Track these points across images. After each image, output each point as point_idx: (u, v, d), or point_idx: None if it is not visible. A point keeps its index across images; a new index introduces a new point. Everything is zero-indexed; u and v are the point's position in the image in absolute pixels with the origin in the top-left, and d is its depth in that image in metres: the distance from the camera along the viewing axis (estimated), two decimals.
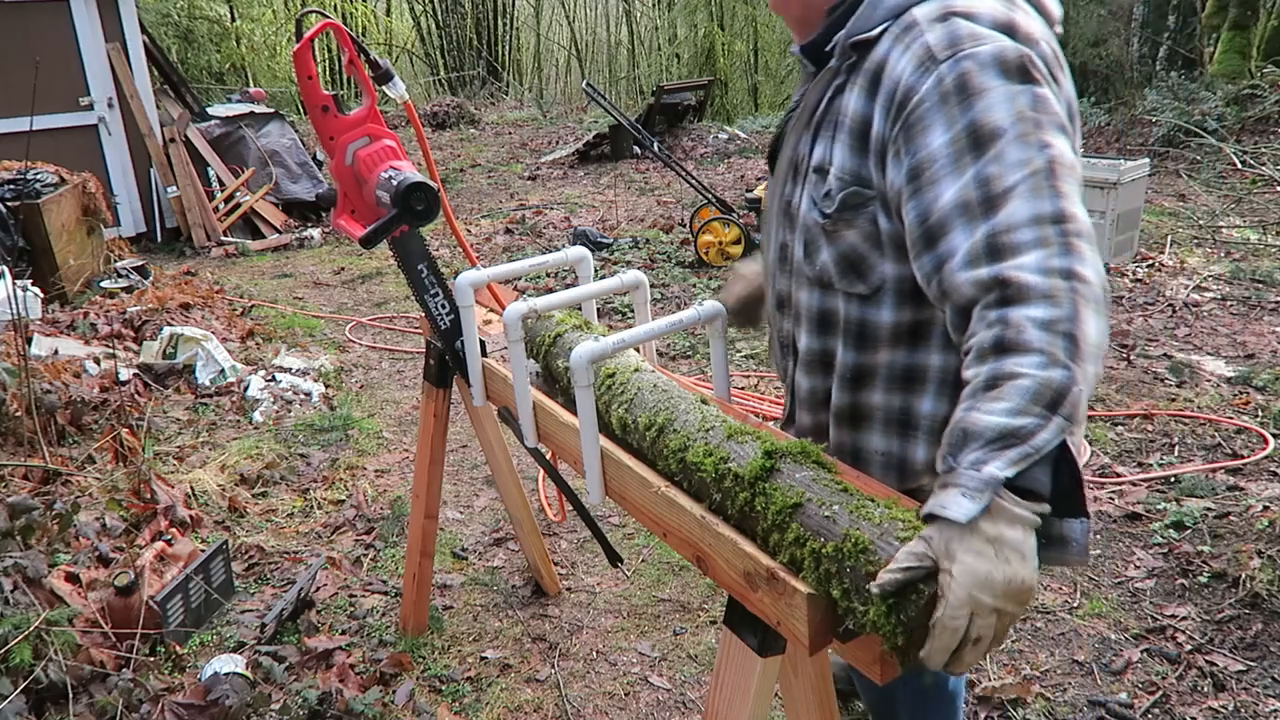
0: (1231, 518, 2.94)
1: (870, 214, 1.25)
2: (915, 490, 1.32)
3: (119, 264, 5.95)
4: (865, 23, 1.23)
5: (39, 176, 5.48)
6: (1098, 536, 3.01)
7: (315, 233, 7.75)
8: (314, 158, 8.81)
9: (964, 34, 1.13)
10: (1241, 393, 3.96)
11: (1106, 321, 1.05)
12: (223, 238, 7.39)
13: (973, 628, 0.93)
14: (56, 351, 4.07)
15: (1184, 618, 2.58)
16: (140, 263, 6.07)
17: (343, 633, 2.61)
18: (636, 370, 1.50)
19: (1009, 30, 1.15)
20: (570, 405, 1.59)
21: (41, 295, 4.90)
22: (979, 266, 1.06)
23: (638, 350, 1.65)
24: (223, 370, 4.29)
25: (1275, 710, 2.24)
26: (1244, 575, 2.60)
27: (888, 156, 1.19)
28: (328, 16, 1.81)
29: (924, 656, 0.93)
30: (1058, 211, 1.05)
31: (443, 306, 2.08)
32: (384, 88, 1.87)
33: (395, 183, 1.74)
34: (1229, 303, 5.12)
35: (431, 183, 1.76)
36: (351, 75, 1.85)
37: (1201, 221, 6.70)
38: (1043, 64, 1.15)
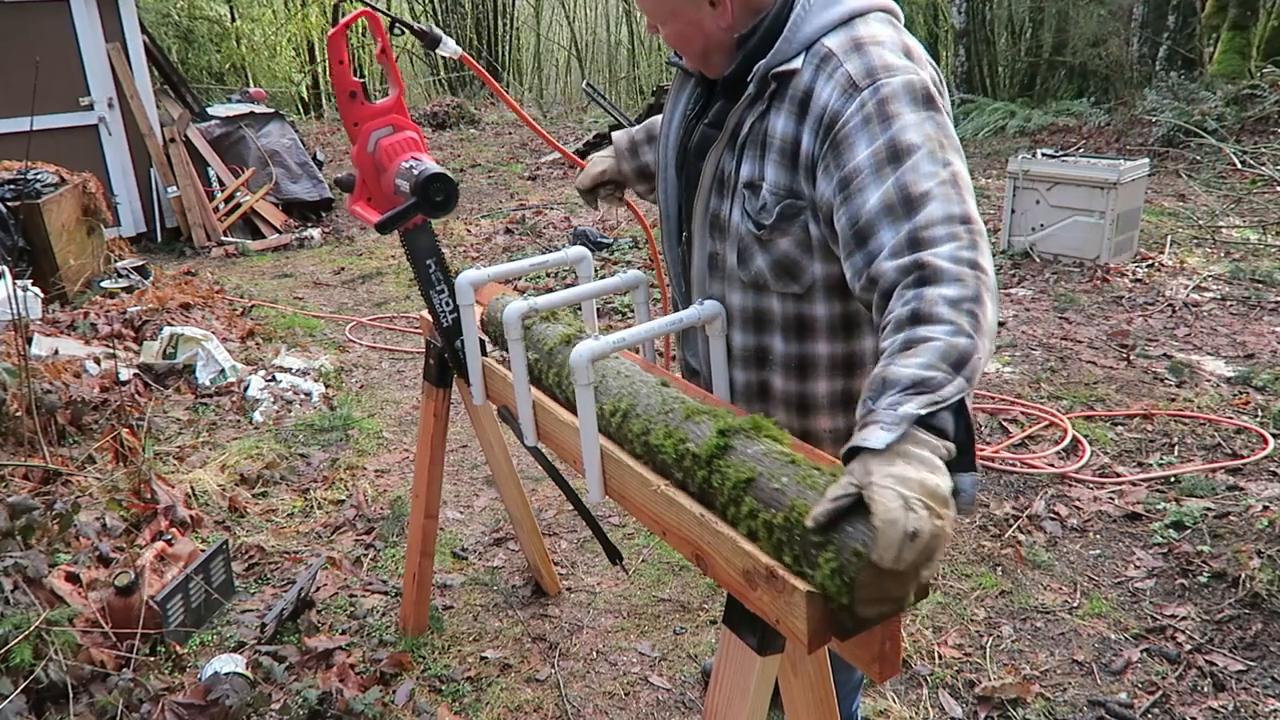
0: (1231, 518, 2.94)
1: (803, 222, 1.44)
2: None
3: (119, 264, 5.95)
4: (783, 55, 1.41)
5: (39, 176, 5.48)
6: (1098, 536, 3.01)
7: (315, 233, 7.75)
8: (314, 157, 8.80)
9: (878, 64, 1.33)
10: (1241, 393, 3.96)
11: (999, 308, 1.23)
12: (223, 238, 7.39)
13: (908, 521, 0.98)
14: (57, 351, 4.07)
15: (1184, 618, 2.58)
16: (140, 263, 6.07)
17: (343, 633, 2.61)
18: (568, 341, 1.60)
19: (908, 54, 1.36)
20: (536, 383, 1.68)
21: (42, 295, 4.90)
22: (902, 255, 1.24)
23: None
24: (223, 370, 4.29)
25: (1275, 710, 2.24)
26: (1244, 575, 2.61)
27: (818, 171, 1.38)
28: (366, 4, 1.83)
29: (876, 558, 0.99)
30: (965, 214, 1.25)
31: (447, 304, 2.09)
32: (438, 50, 1.93)
33: (416, 172, 1.76)
34: (1229, 303, 5.12)
35: (450, 176, 1.78)
36: (382, 64, 1.88)
37: (1201, 221, 6.70)
38: (934, 89, 1.35)
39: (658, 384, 1.44)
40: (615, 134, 2.05)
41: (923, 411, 1.08)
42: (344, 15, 1.82)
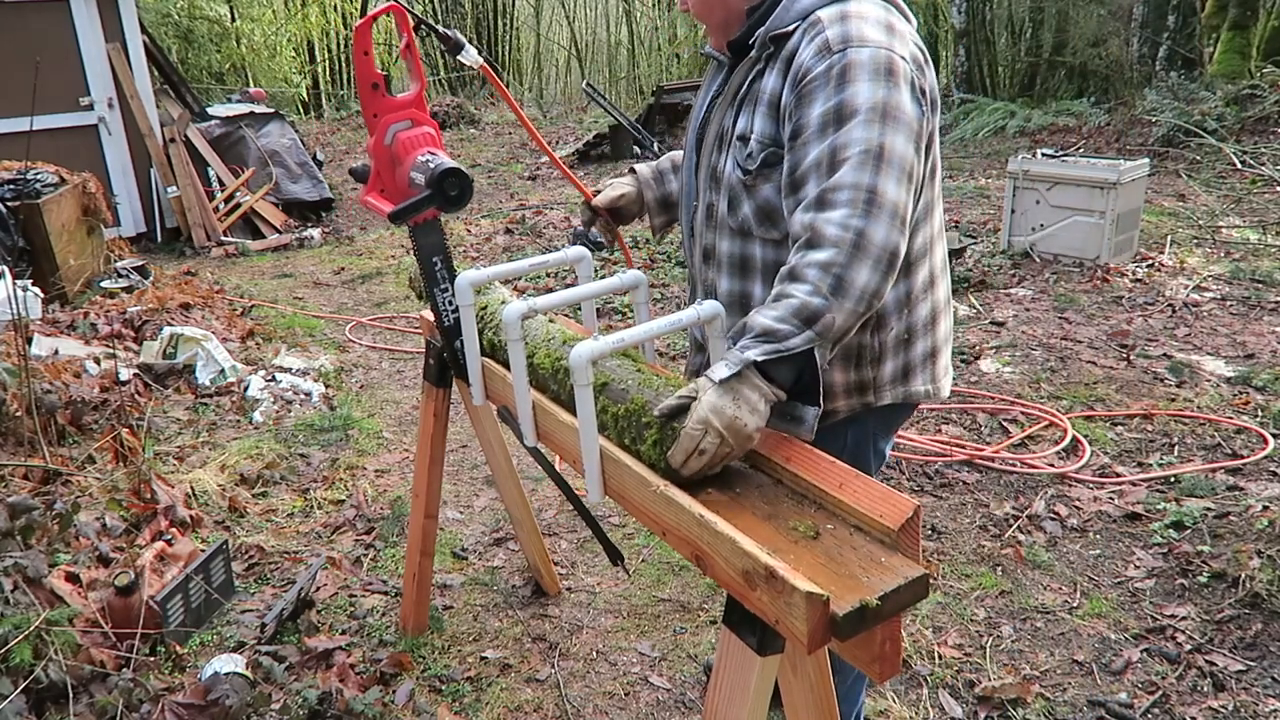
0: (1231, 518, 2.94)
1: (781, 168, 1.55)
2: (844, 418, 1.69)
3: (119, 264, 5.95)
4: (780, 21, 1.54)
5: (39, 176, 5.48)
6: (1098, 536, 3.01)
7: (315, 233, 7.75)
8: (314, 157, 8.81)
9: (854, 34, 1.44)
10: (1241, 393, 3.96)
11: (882, 276, 1.39)
12: (223, 238, 7.39)
13: (703, 441, 1.30)
14: (57, 351, 4.07)
15: (1184, 618, 2.58)
16: (140, 263, 6.07)
17: (343, 633, 2.61)
18: (504, 303, 1.87)
19: (889, 29, 1.47)
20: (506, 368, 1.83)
21: (41, 295, 4.90)
22: (808, 212, 1.41)
23: (505, 284, 2.05)
24: (223, 370, 4.29)
25: (1275, 710, 2.24)
26: (1244, 575, 2.61)
27: (786, 119, 1.51)
28: None
29: (669, 455, 1.32)
30: (871, 185, 1.38)
31: (450, 302, 2.09)
32: (459, 57, 1.95)
33: (432, 166, 1.77)
34: (1229, 303, 5.12)
35: (466, 171, 1.79)
36: (405, 60, 1.88)
37: (1201, 221, 6.70)
38: (908, 65, 1.45)
39: (545, 321, 1.76)
40: (639, 166, 2.10)
41: (759, 357, 1.33)
42: (373, 7, 1.83)
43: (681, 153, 1.93)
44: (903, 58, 1.45)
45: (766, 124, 1.54)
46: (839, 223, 1.37)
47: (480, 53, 1.97)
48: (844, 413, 1.67)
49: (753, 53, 1.58)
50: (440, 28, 1.91)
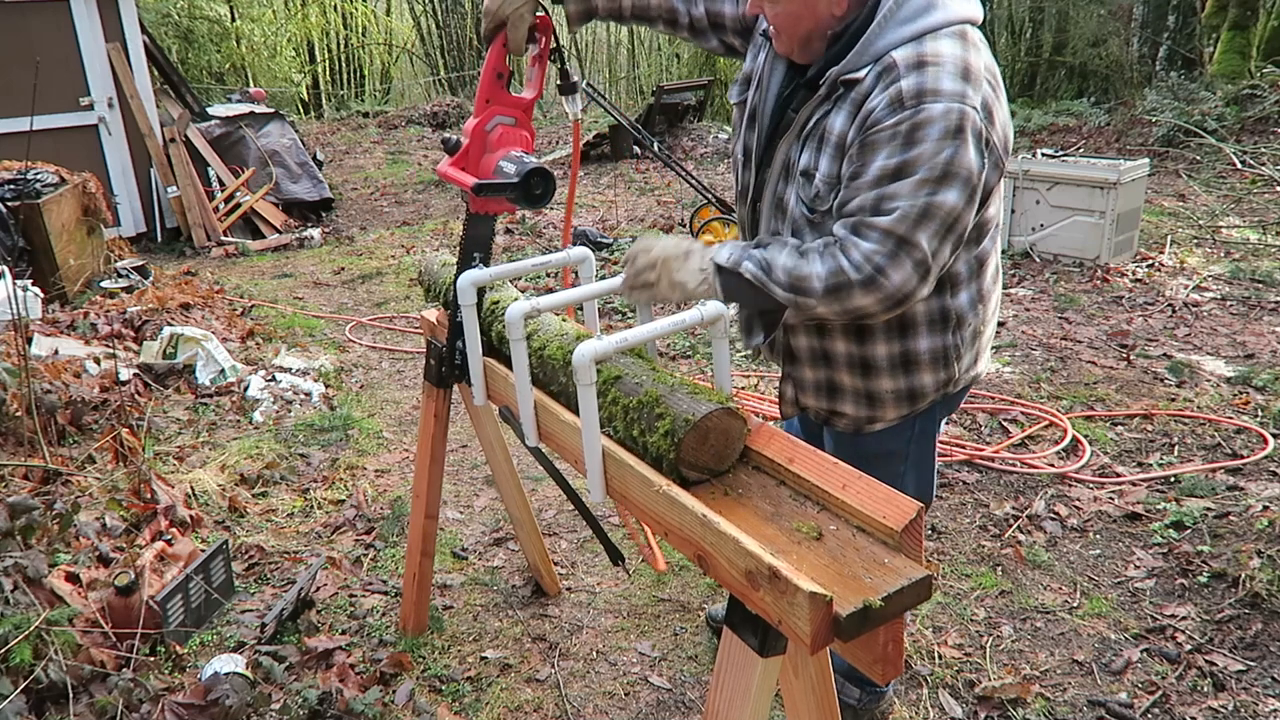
0: (1231, 518, 2.94)
1: None
2: (921, 411, 1.81)
3: (119, 264, 5.95)
4: (853, 65, 1.54)
5: (39, 176, 5.47)
6: (1098, 536, 3.01)
7: (315, 233, 7.75)
8: (314, 157, 8.80)
9: (928, 87, 1.46)
10: (1241, 393, 3.96)
11: (882, 309, 1.53)
12: (223, 238, 7.39)
13: (639, 276, 1.63)
14: (57, 351, 4.07)
15: (1184, 618, 2.58)
16: (140, 263, 6.06)
17: (343, 633, 2.61)
18: (515, 299, 1.88)
19: (964, 74, 1.47)
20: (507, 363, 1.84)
21: (41, 295, 4.90)
22: (845, 230, 1.53)
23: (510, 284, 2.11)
24: (223, 370, 4.29)
25: (1275, 710, 2.24)
26: (1244, 575, 2.61)
27: (848, 159, 1.55)
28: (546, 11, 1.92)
29: (619, 289, 1.66)
30: (906, 236, 1.47)
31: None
32: (564, 98, 2.04)
33: (526, 161, 1.86)
34: (1229, 303, 5.12)
35: (554, 176, 1.86)
36: (532, 68, 1.95)
37: (1201, 221, 6.70)
38: (978, 116, 1.47)
39: (558, 320, 1.79)
40: None
41: (724, 262, 1.59)
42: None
43: None
44: (974, 108, 1.46)
45: (832, 165, 1.57)
46: (865, 253, 1.48)
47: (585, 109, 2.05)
48: (925, 406, 1.80)
49: (821, 91, 1.58)
50: (569, 65, 1.99)
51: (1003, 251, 6.02)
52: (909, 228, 1.47)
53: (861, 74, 1.52)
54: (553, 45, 1.95)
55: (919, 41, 1.50)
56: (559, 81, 2.02)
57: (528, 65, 1.98)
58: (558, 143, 12.08)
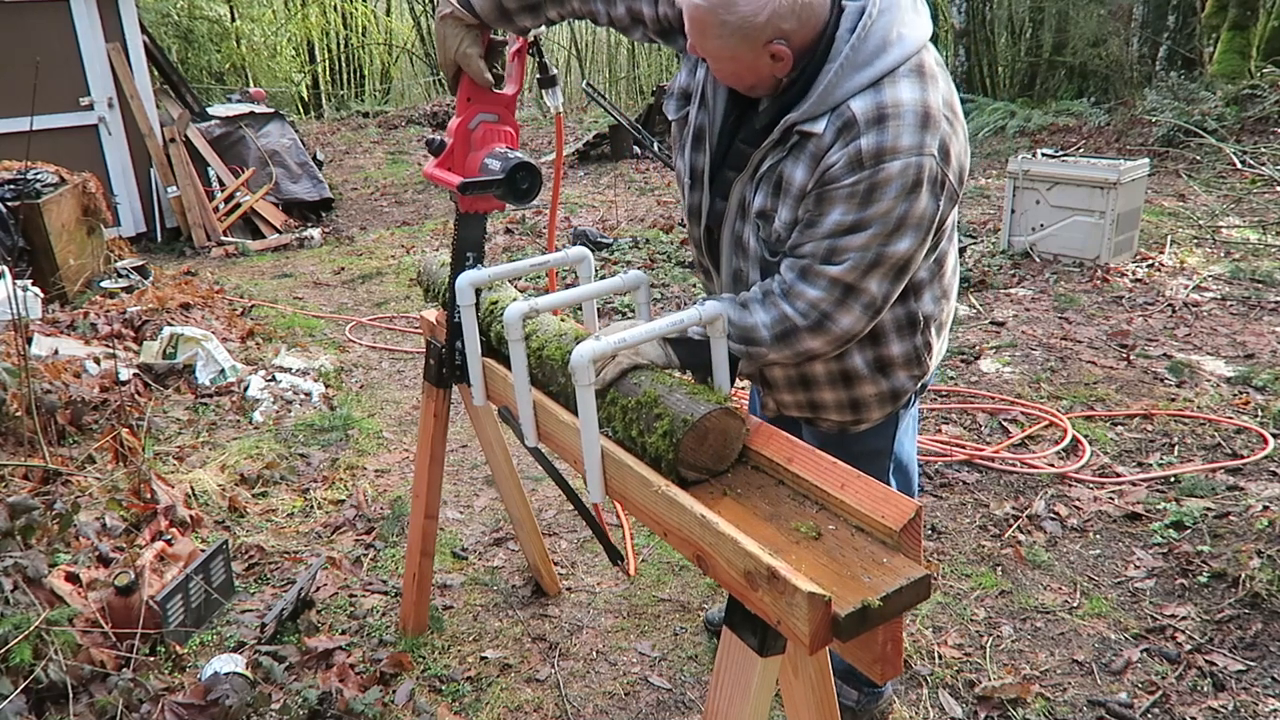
0: (1231, 518, 2.94)
1: None
2: (903, 405, 1.90)
3: (119, 264, 5.95)
4: (810, 114, 1.51)
5: (39, 176, 5.47)
6: (1098, 536, 3.01)
7: (315, 233, 7.74)
8: (314, 157, 8.80)
9: (887, 145, 1.45)
10: (1241, 393, 3.96)
11: (830, 348, 1.62)
12: (223, 238, 7.39)
13: (594, 352, 1.46)
14: (56, 351, 4.07)
15: (1184, 618, 2.58)
16: (140, 263, 6.06)
17: (343, 633, 2.61)
18: (514, 299, 1.91)
19: (924, 121, 1.46)
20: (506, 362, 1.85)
21: (41, 295, 4.90)
22: (792, 273, 1.56)
23: (512, 284, 2.13)
24: (223, 370, 4.29)
25: (1275, 710, 2.24)
26: (1244, 575, 2.61)
27: (804, 206, 1.56)
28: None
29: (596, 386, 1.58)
30: (853, 282, 1.52)
31: None
32: (544, 91, 2.04)
33: (510, 157, 1.87)
34: (1229, 303, 5.12)
35: (540, 170, 1.87)
36: (512, 64, 1.97)
37: (1201, 221, 6.70)
38: (935, 164, 1.47)
39: (557, 321, 1.80)
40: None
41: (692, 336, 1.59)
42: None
43: None
44: (932, 155, 1.47)
45: (793, 214, 1.58)
46: (811, 301, 1.55)
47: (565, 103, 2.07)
48: (905, 400, 1.88)
49: (776, 135, 1.56)
50: (545, 58, 2.00)
51: (1002, 251, 6.08)
52: (858, 276, 1.52)
53: (819, 127, 1.49)
54: (530, 40, 1.94)
55: (878, 89, 1.46)
56: (539, 75, 2.02)
57: (508, 60, 1.99)
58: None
